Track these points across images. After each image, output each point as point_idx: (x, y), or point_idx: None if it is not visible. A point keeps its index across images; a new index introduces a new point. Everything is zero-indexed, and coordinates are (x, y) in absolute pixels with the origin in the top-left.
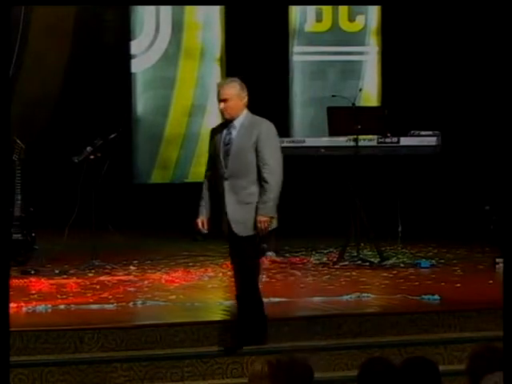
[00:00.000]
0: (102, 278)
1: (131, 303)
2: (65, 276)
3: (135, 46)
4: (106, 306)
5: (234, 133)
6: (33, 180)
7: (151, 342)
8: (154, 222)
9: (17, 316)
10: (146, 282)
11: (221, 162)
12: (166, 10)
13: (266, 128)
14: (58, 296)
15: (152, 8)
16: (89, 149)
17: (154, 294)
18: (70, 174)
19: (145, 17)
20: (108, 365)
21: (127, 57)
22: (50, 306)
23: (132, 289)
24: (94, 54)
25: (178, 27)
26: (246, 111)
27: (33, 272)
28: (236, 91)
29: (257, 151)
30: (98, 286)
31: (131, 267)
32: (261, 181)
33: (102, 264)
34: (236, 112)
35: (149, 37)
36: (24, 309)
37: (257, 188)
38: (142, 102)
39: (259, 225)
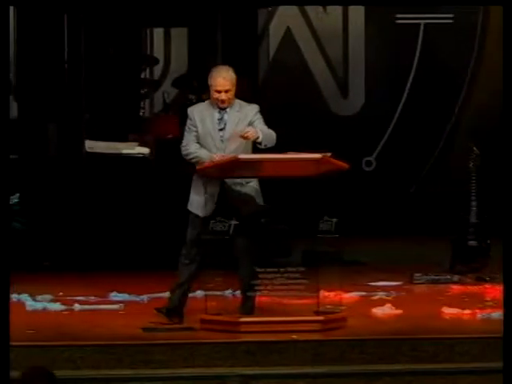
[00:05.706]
0: None
1: None
2: None
3: None
4: None
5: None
6: (489, 187)
7: None
8: None
9: (471, 322)
10: None
11: (215, 144)
12: None
13: None
14: None
15: None
16: None
17: None
18: None
19: None
20: None
21: None
22: None
23: None
24: None
25: None
26: None
27: (487, 279)
28: (235, 79)
29: None
30: None
31: None
32: None
33: None
34: None
35: None
36: (479, 315)
37: None
38: None
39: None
